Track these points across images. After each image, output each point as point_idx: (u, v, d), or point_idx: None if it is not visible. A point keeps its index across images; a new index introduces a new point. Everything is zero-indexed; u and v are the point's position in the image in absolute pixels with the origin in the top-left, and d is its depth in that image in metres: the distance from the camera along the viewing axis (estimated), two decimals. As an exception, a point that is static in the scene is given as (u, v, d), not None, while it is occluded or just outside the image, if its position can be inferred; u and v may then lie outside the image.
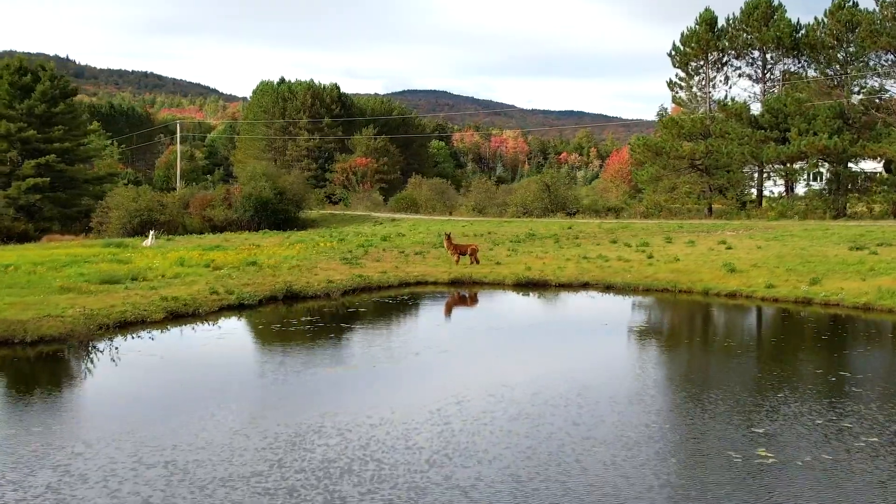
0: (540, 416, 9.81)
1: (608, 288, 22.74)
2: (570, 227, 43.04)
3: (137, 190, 49.60)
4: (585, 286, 23.11)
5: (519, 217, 57.51)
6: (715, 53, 57.36)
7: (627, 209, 59.10)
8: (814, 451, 8.57)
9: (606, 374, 12.52)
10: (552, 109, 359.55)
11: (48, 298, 17.84)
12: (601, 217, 55.07)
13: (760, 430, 9.30)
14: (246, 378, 12.60)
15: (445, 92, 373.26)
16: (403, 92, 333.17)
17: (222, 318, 17.63)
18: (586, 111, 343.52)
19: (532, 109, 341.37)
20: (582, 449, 8.60)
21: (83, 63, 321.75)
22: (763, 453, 8.49)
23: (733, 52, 57.52)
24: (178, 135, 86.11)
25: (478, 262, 26.78)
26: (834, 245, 29.30)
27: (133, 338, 15.23)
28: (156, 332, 15.74)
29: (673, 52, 58.27)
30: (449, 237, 27.83)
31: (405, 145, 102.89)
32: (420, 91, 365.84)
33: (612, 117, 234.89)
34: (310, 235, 40.73)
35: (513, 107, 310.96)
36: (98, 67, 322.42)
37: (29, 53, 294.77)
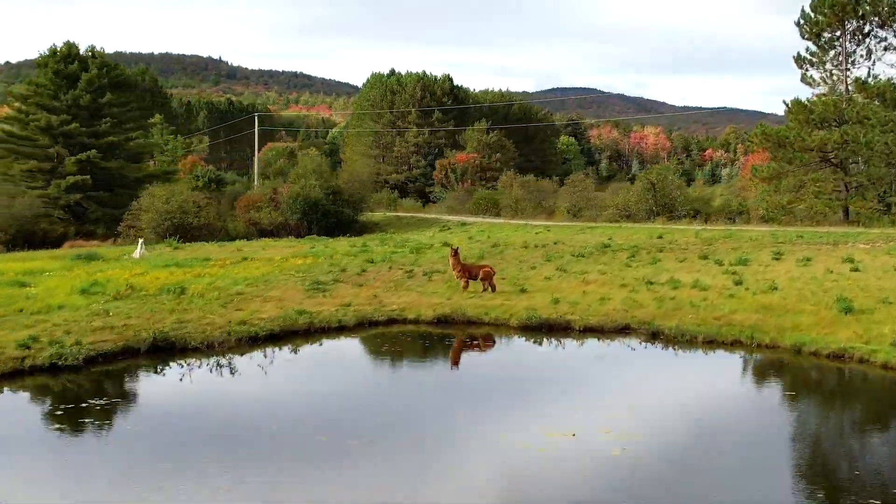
0: None
1: (654, 335, 15.59)
2: (659, 237, 35.56)
3: (171, 189, 44.62)
4: (624, 331, 16.07)
5: (616, 221, 50.04)
6: (854, 22, 47.83)
7: (745, 213, 50.50)
8: None
9: None
10: (705, 106, 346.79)
11: None
12: (711, 223, 46.71)
13: None
14: None
15: (595, 89, 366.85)
16: (553, 90, 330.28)
17: None
18: (740, 108, 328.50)
19: (684, 106, 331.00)
20: None
21: (235, 64, 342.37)
22: None
23: (877, 19, 47.79)
24: (257, 128, 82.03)
25: (493, 288, 19.78)
26: None
27: None
28: None
29: (802, 21, 48.87)
30: (456, 254, 20.68)
31: (525, 140, 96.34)
32: (569, 88, 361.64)
33: (768, 114, 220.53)
34: (338, 244, 35.02)
35: (664, 104, 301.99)
36: (249, 68, 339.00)
37: (183, 55, 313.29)
